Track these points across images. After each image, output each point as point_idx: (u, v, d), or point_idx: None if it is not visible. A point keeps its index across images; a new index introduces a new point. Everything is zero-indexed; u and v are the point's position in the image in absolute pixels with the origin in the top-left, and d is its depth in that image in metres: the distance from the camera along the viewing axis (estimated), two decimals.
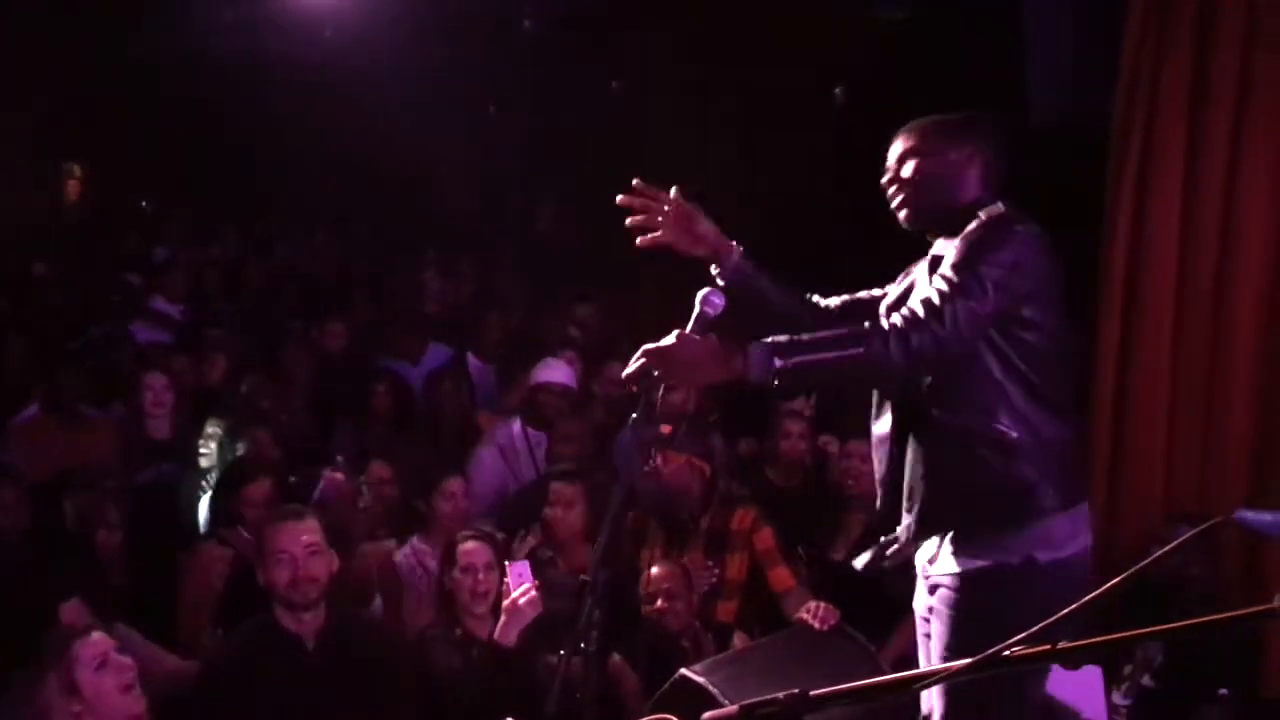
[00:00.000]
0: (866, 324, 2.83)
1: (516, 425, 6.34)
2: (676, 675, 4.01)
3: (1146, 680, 4.58)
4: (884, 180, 3.18)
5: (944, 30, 7.15)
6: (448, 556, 4.36)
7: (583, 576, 3.29)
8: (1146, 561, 1.62)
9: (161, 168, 11.51)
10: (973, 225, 3.00)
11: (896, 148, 3.18)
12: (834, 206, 7.59)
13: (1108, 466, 5.20)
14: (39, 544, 4.98)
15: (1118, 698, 4.58)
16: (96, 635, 3.51)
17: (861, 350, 2.75)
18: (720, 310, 2.90)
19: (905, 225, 3.18)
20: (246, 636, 4.00)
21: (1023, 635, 1.62)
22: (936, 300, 2.81)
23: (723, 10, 8.14)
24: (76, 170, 12.12)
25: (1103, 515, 5.23)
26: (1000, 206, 3.05)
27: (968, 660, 1.67)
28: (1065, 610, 1.56)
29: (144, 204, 11.88)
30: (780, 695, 1.78)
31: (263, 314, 8.64)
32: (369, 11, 8.22)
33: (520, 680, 4.04)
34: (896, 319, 2.80)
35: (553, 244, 10.51)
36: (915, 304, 2.85)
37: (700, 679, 3.94)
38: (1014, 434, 2.87)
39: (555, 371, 6.54)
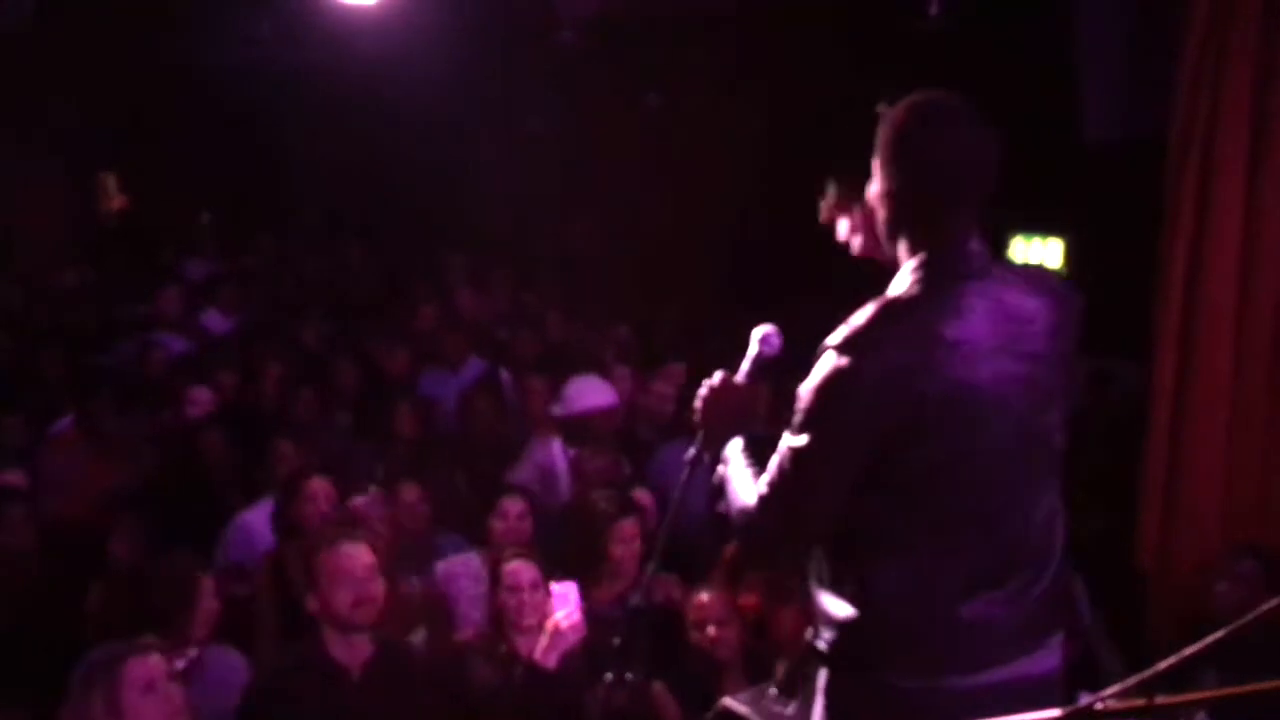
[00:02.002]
0: None
1: (556, 444, 6.27)
2: (718, 705, 3.91)
3: (1202, 718, 4.45)
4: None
5: (995, 41, 7.04)
6: (494, 575, 4.33)
7: (632, 602, 3.20)
8: (1261, 610, 1.51)
9: (196, 178, 11.53)
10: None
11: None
12: None
13: (1163, 495, 5.06)
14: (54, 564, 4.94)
15: None
16: (154, 657, 3.44)
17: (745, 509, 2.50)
18: (778, 350, 2.79)
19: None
20: (291, 664, 3.94)
21: (1117, 687, 1.51)
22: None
23: (762, 23, 8.06)
24: (113, 182, 12.16)
25: (1157, 546, 5.12)
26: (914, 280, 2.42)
27: (1057, 711, 1.57)
28: (1167, 662, 1.45)
29: (204, 215, 11.88)
30: None
31: (299, 327, 8.60)
32: (405, 24, 8.20)
33: (558, 704, 3.96)
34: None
35: (587, 258, 10.43)
36: None
37: (743, 709, 3.83)
38: None
39: (600, 394, 6.46)
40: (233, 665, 4.30)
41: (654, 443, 6.52)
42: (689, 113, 9.26)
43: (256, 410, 6.64)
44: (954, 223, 2.42)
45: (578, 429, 6.27)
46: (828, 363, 2.32)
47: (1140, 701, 1.46)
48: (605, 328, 8.43)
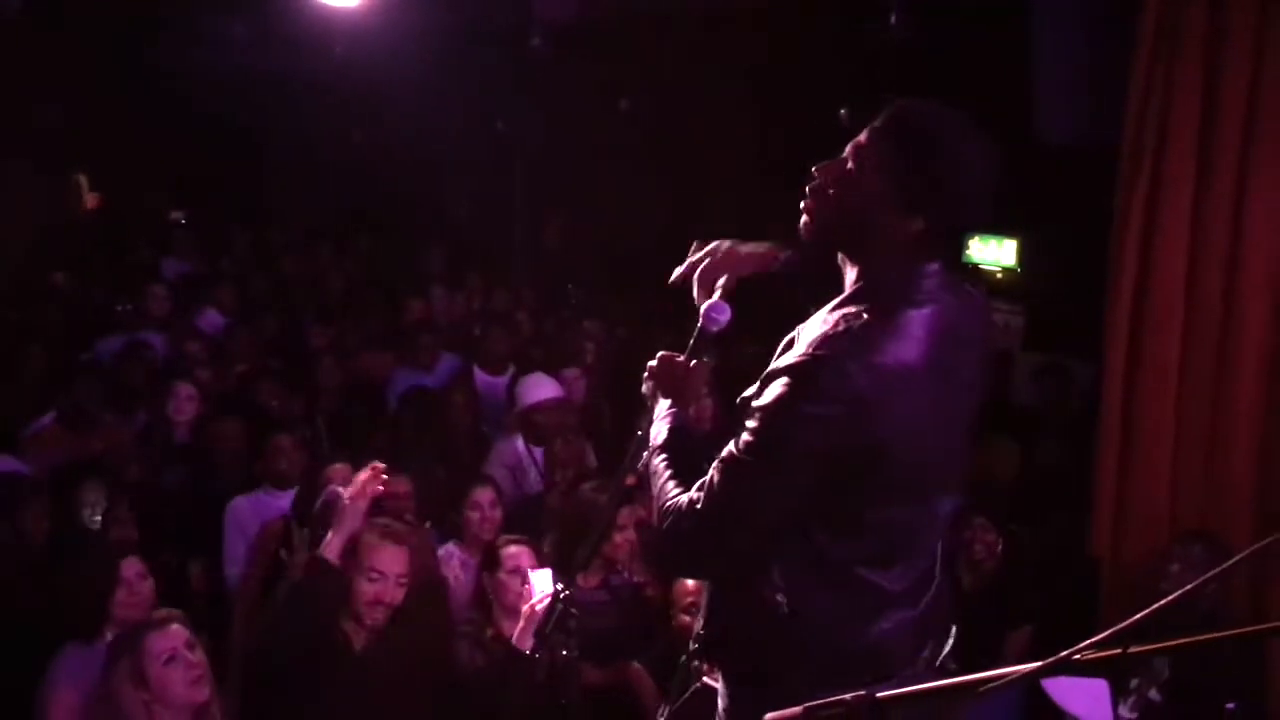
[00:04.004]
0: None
1: (519, 442, 6.50)
2: (698, 684, 4.03)
3: (1153, 694, 4.65)
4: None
5: (952, 47, 7.23)
6: (489, 559, 4.47)
7: (558, 585, 3.30)
8: (1210, 575, 1.69)
9: (172, 179, 11.54)
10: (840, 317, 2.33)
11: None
12: None
13: (1114, 486, 5.29)
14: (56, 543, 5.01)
15: (1124, 711, 4.63)
16: (173, 628, 3.63)
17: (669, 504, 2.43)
18: (724, 325, 2.72)
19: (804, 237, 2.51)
20: (295, 627, 4.06)
21: (1093, 640, 1.67)
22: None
23: (731, 29, 8.20)
24: (84, 182, 12.12)
25: (1109, 534, 5.34)
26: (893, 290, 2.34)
27: (1038, 663, 1.71)
28: (1132, 619, 1.62)
29: (177, 215, 11.87)
30: (847, 696, 1.81)
31: (276, 325, 8.66)
32: (378, 27, 8.28)
33: (535, 684, 4.08)
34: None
35: (560, 258, 10.58)
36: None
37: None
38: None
39: (543, 389, 6.65)
40: None
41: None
42: (660, 115, 9.40)
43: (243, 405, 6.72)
44: (933, 246, 2.36)
45: (530, 424, 6.48)
46: (784, 389, 2.27)
47: (1116, 651, 1.62)
48: (578, 324, 8.60)
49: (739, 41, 8.02)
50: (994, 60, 6.91)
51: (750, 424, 2.31)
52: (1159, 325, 5.17)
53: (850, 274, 2.43)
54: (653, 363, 2.76)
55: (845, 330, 2.28)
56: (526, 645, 4.03)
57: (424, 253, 10.35)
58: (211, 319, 8.56)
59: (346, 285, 9.95)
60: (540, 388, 6.62)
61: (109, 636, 4.00)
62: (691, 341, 2.74)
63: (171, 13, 9.83)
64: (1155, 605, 1.60)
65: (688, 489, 2.40)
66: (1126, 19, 5.28)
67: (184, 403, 6.41)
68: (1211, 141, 5.05)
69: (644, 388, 2.78)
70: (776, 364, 2.35)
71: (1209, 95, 5.05)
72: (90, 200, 12.03)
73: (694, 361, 2.72)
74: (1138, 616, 1.61)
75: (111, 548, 4.46)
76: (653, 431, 2.64)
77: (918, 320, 2.31)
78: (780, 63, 7.94)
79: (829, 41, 7.82)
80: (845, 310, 2.34)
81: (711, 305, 2.73)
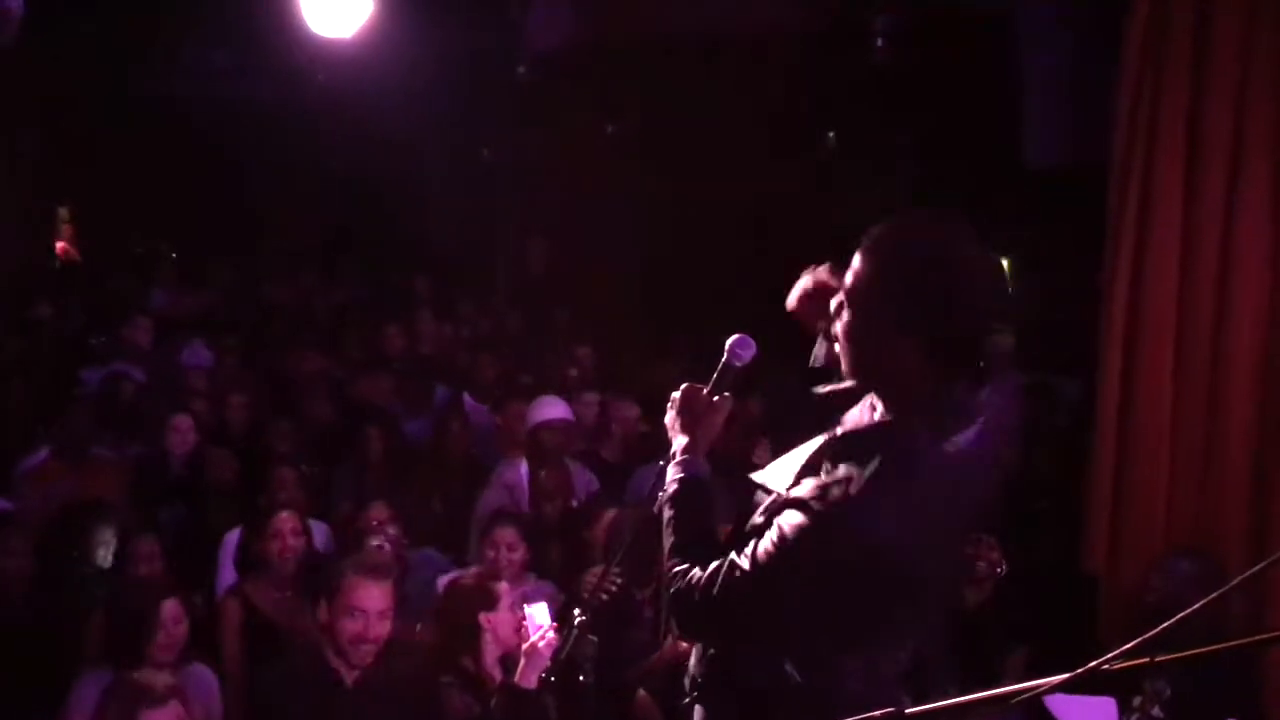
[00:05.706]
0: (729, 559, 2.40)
1: (523, 465, 6.48)
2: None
3: (1156, 711, 4.68)
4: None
5: (941, 72, 7.31)
6: (486, 598, 4.34)
7: (576, 611, 3.31)
8: (1231, 585, 1.71)
9: (154, 209, 11.51)
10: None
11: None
12: (823, 249, 7.70)
13: (1110, 503, 5.31)
14: (48, 585, 4.99)
15: None
16: (172, 707, 3.56)
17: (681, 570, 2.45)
18: (748, 360, 2.73)
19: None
20: (289, 668, 4.09)
21: (1121, 649, 1.69)
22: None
23: (716, 56, 8.28)
24: (64, 214, 12.09)
25: (1105, 547, 5.36)
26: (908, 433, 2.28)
27: (1066, 675, 1.73)
28: (1166, 624, 1.64)
29: (168, 251, 11.85)
30: (877, 713, 1.83)
31: (265, 355, 8.65)
32: (362, 56, 8.33)
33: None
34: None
35: (545, 284, 10.61)
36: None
37: None
38: None
39: (553, 409, 6.65)
40: (206, 681, 4.42)
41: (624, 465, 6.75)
42: (646, 141, 9.47)
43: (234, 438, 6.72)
44: (946, 364, 2.32)
45: (535, 442, 6.48)
46: (801, 529, 2.29)
47: (1144, 660, 1.64)
48: (567, 349, 8.62)
49: (724, 68, 8.09)
50: (980, 84, 6.99)
51: (766, 548, 2.32)
52: (1152, 342, 5.20)
53: (876, 401, 2.42)
54: (676, 394, 2.74)
55: (864, 476, 2.25)
56: (530, 683, 3.98)
57: (410, 279, 10.36)
58: (199, 354, 8.50)
59: (334, 313, 9.94)
60: (550, 407, 6.65)
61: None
62: (715, 375, 2.72)
63: (157, 43, 9.84)
64: (1181, 614, 1.62)
65: (689, 559, 2.44)
66: (1111, 38, 5.35)
67: (185, 435, 6.37)
68: (1200, 157, 5.09)
69: (666, 418, 2.76)
70: (797, 489, 2.35)
71: (1196, 111, 5.10)
72: (64, 232, 12.00)
73: (716, 396, 2.71)
74: (1163, 626, 1.63)
75: (151, 588, 4.38)
76: (667, 474, 2.63)
77: (936, 462, 2.28)
78: (767, 89, 8.01)
79: (815, 67, 7.90)
80: (867, 453, 2.29)
81: (736, 341, 2.72)
